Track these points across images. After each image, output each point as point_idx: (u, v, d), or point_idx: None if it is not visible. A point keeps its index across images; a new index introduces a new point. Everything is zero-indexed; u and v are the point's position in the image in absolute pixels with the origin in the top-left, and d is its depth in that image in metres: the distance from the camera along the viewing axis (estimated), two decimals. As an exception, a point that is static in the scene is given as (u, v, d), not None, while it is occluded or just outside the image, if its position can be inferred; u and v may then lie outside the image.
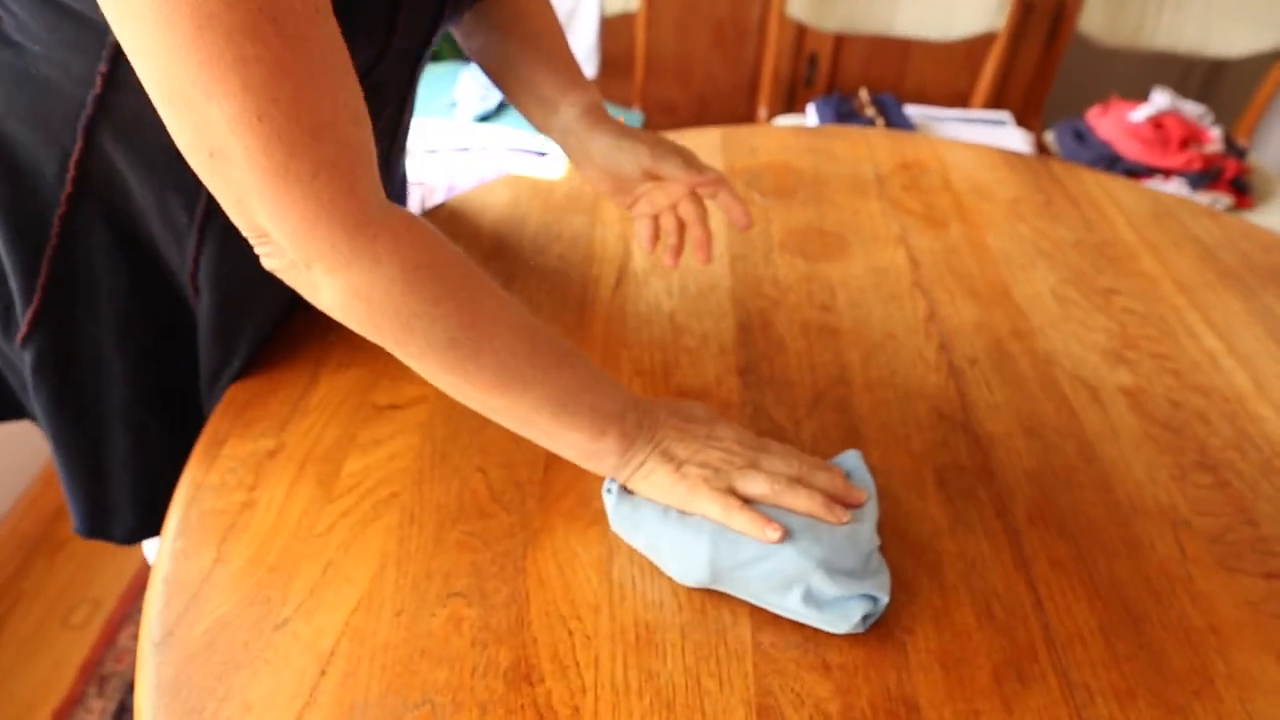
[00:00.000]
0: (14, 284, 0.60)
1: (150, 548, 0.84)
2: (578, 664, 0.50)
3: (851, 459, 0.58)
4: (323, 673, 0.49)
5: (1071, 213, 0.96)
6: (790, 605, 0.50)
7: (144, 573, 1.40)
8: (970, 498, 0.61)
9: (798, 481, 0.53)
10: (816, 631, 0.52)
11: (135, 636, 1.31)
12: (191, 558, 0.56)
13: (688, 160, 0.66)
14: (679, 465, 0.53)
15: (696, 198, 0.69)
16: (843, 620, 0.50)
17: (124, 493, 0.71)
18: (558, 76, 0.69)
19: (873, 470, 0.62)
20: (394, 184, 0.76)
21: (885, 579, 0.51)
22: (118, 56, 0.50)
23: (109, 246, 0.61)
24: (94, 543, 1.42)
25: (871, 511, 0.54)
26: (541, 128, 0.71)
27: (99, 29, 0.48)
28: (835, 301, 0.79)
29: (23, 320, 0.61)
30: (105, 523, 0.72)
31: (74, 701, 1.24)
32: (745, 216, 0.67)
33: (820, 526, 0.51)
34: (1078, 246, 0.90)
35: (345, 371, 0.69)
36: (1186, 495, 0.63)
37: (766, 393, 0.68)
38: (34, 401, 0.65)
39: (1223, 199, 1.57)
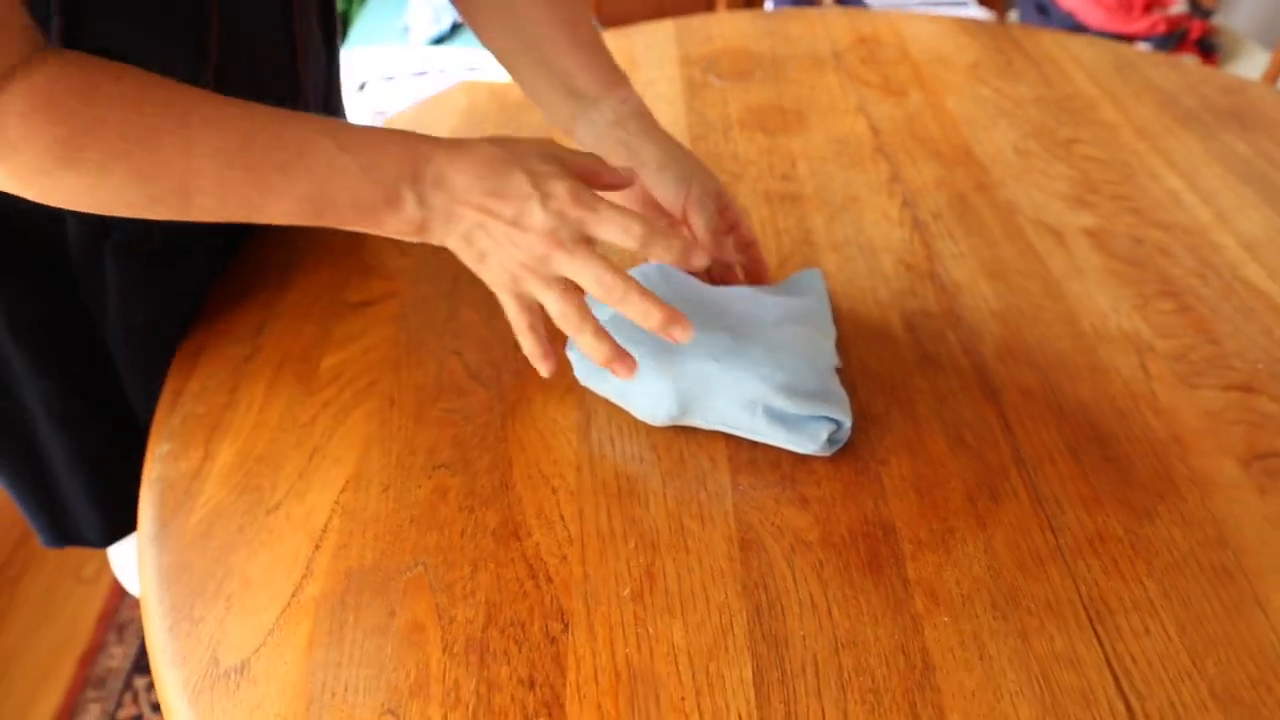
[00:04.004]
0: None
1: (115, 560, 0.80)
2: (563, 518, 0.51)
3: (808, 279, 0.58)
4: (317, 547, 0.51)
5: (1031, 71, 0.96)
6: (758, 426, 0.51)
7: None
8: (939, 339, 0.62)
9: (611, 290, 0.47)
10: (793, 469, 0.53)
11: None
12: (179, 459, 0.57)
13: (722, 206, 0.60)
14: (481, 257, 0.49)
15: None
16: (810, 440, 0.51)
17: (79, 493, 0.68)
18: (599, 70, 0.62)
19: (840, 318, 0.63)
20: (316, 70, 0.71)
21: (846, 403, 0.53)
22: None
23: None
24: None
25: (829, 329, 0.55)
26: (565, 118, 0.63)
27: None
28: (796, 171, 0.79)
29: None
30: (70, 528, 0.70)
31: (96, 649, 1.27)
32: (765, 274, 0.63)
33: (782, 350, 0.52)
34: (1038, 103, 0.90)
35: (315, 274, 0.69)
36: (1150, 322, 0.64)
37: (733, 259, 0.69)
38: None
39: (1189, 61, 1.56)
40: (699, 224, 0.58)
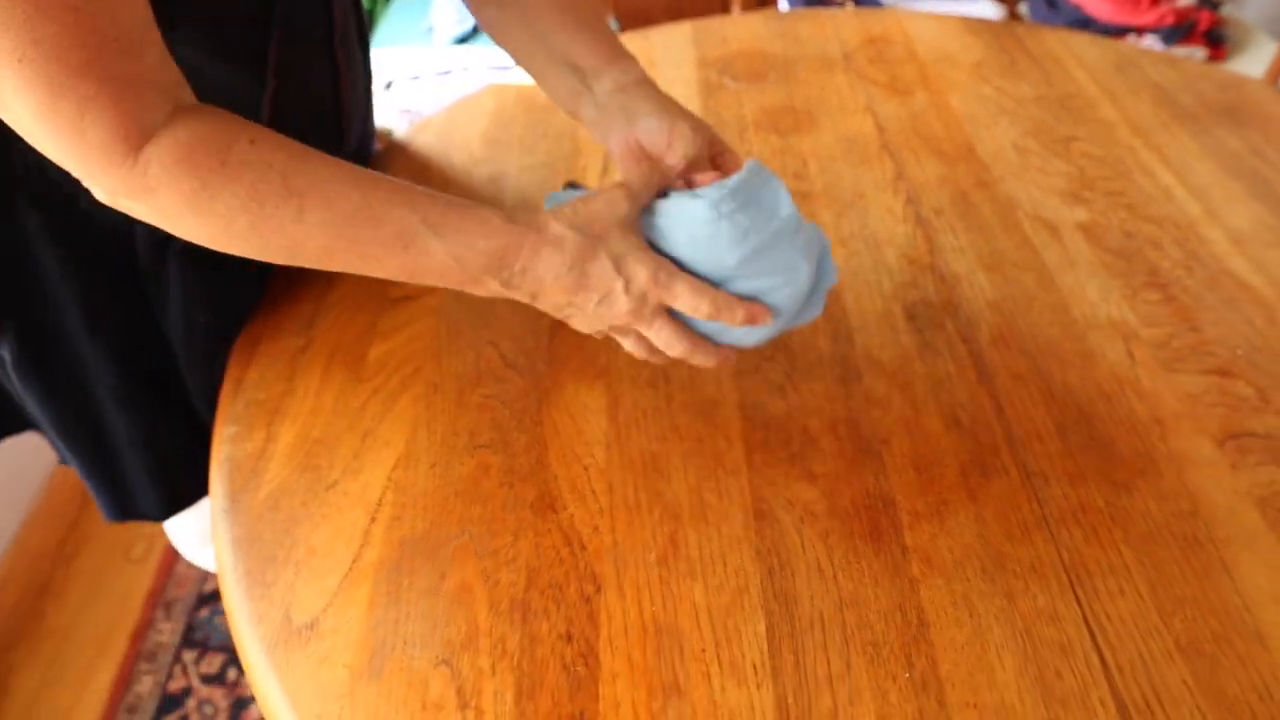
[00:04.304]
0: None
1: (173, 531, 0.87)
2: (594, 492, 0.57)
3: (756, 181, 0.54)
4: (373, 519, 0.56)
5: (1034, 70, 1.00)
6: (763, 345, 0.57)
7: (191, 505, 1.48)
8: (938, 328, 0.67)
9: (678, 354, 0.54)
10: (803, 448, 0.58)
11: (193, 565, 1.41)
12: (244, 440, 0.62)
13: (712, 146, 0.61)
14: (566, 319, 0.54)
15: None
16: (810, 314, 0.56)
17: (140, 470, 0.73)
18: (600, 45, 0.63)
19: (846, 309, 0.68)
20: (355, 75, 0.75)
21: (831, 272, 0.56)
22: None
23: (47, 234, 0.62)
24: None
25: (795, 226, 0.54)
26: (568, 96, 0.64)
27: None
28: (807, 170, 0.84)
29: None
30: (131, 504, 0.75)
31: (146, 625, 1.34)
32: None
33: (765, 290, 0.53)
34: (1039, 101, 0.94)
35: (360, 273, 0.75)
36: (1137, 311, 0.69)
37: (747, 255, 0.74)
38: (28, 401, 0.68)
39: (1197, 52, 1.59)
40: (678, 151, 0.58)
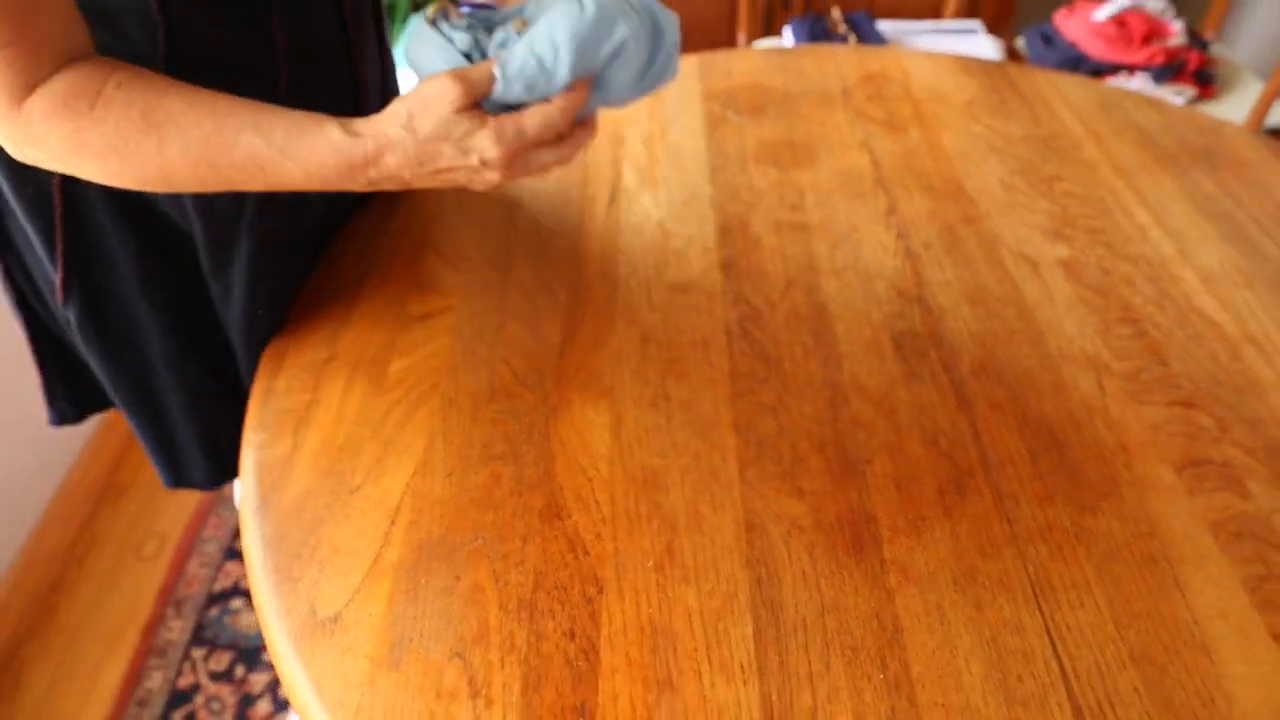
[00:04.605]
0: (43, 254, 0.68)
1: (237, 496, 0.94)
2: (597, 502, 0.61)
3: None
4: (392, 522, 0.61)
5: (1023, 110, 1.05)
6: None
7: (204, 507, 1.53)
8: (922, 357, 0.72)
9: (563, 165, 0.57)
10: (792, 465, 0.63)
11: (203, 564, 1.45)
12: (273, 446, 0.67)
13: None
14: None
15: None
16: (666, 79, 0.60)
17: (191, 440, 0.79)
18: None
19: (837, 337, 0.73)
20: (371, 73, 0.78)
21: (669, 29, 0.58)
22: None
23: (109, 207, 0.66)
24: (153, 485, 1.56)
25: (608, 17, 0.55)
26: None
27: None
28: (804, 202, 0.89)
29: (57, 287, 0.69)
30: (183, 471, 0.81)
31: (157, 622, 1.38)
32: None
33: (615, 74, 0.56)
34: (1026, 140, 0.99)
35: (380, 290, 0.80)
36: (1109, 345, 0.73)
37: (744, 282, 0.78)
38: (92, 365, 0.74)
39: (1186, 91, 1.64)
40: None
